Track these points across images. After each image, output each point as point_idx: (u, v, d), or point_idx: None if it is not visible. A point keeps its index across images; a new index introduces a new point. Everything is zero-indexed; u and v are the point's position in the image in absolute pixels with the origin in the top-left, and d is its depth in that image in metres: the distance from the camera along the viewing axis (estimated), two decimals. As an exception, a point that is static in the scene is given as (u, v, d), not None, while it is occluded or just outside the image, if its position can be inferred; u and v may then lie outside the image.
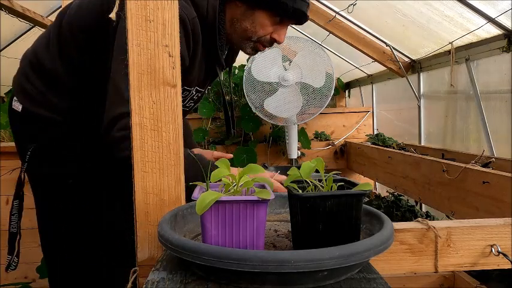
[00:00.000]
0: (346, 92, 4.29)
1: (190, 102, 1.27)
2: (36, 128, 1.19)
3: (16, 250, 1.22)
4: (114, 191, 1.16)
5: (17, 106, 1.20)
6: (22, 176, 1.22)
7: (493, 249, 0.71)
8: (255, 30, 1.15)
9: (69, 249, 1.19)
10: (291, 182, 0.60)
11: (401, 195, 2.44)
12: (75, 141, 1.18)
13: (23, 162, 1.20)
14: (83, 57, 1.12)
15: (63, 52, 1.14)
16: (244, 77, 2.57)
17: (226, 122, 1.43)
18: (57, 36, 1.15)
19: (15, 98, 1.22)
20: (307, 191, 0.59)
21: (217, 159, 1.41)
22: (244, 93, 2.59)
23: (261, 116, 2.62)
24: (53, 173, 1.18)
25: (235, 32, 1.17)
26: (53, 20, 1.21)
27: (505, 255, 0.70)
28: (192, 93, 1.24)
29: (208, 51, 1.17)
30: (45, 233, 1.23)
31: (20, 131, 1.24)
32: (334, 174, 0.61)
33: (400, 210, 2.33)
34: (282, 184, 1.01)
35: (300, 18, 1.16)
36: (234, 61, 1.43)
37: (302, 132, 3.11)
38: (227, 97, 1.90)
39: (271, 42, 1.19)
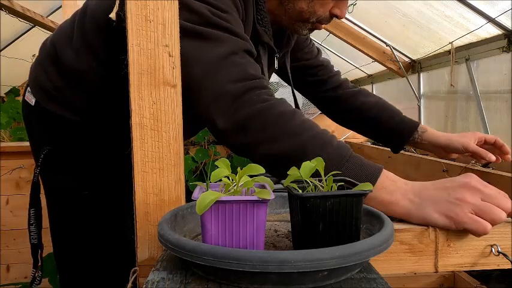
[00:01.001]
0: (346, 92, 4.28)
1: None
2: (51, 127, 1.07)
3: (40, 263, 1.11)
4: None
5: (30, 99, 1.09)
6: (36, 179, 1.08)
7: (493, 249, 0.71)
8: (314, 10, 0.96)
9: (85, 260, 1.09)
10: (291, 182, 0.60)
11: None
12: (94, 146, 1.06)
13: (36, 163, 1.08)
14: (111, 54, 0.97)
15: (88, 46, 1.00)
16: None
17: None
18: (80, 29, 1.01)
19: (29, 88, 1.10)
20: (307, 191, 0.59)
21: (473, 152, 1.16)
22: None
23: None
24: (67, 183, 1.06)
25: (285, 13, 0.99)
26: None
27: (505, 255, 0.70)
28: None
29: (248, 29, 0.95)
30: (58, 245, 1.13)
31: (33, 127, 1.13)
32: (334, 174, 0.61)
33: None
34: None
35: None
36: (290, 45, 1.17)
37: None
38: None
39: (331, 18, 1.00)
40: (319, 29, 1.03)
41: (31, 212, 1.10)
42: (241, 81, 0.79)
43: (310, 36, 1.33)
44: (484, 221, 0.66)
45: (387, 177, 0.74)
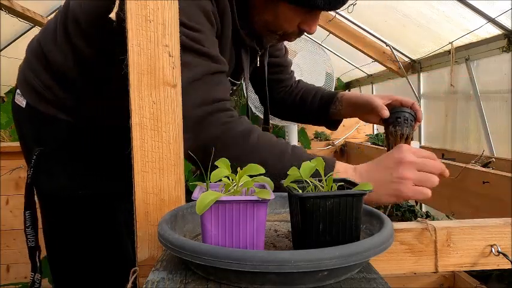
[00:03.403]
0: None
1: None
2: (43, 128, 1.07)
3: (38, 266, 1.10)
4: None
5: (21, 101, 1.08)
6: (30, 181, 1.08)
7: (493, 249, 0.71)
8: (279, 24, 0.97)
9: (79, 262, 1.09)
10: (291, 182, 0.60)
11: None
12: (87, 145, 1.06)
13: (28, 165, 1.08)
14: (93, 52, 0.98)
15: (72, 44, 1.00)
16: (244, 77, 2.57)
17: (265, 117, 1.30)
18: (63, 27, 1.01)
19: (18, 90, 1.09)
20: (307, 191, 0.59)
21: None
22: (243, 93, 2.59)
23: (261, 116, 2.62)
24: (61, 183, 1.06)
25: (257, 22, 1.01)
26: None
27: (505, 255, 0.70)
28: None
29: (229, 31, 0.99)
30: (52, 247, 1.12)
31: (25, 130, 1.12)
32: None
33: (400, 210, 2.33)
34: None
35: (335, 4, 0.93)
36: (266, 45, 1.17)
37: (302, 132, 3.12)
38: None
39: (301, 33, 1.01)
40: (290, 41, 1.07)
41: (27, 214, 1.09)
42: (202, 105, 0.85)
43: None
44: (425, 188, 0.80)
45: (341, 165, 0.85)
